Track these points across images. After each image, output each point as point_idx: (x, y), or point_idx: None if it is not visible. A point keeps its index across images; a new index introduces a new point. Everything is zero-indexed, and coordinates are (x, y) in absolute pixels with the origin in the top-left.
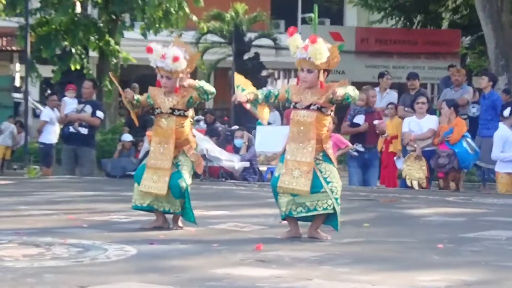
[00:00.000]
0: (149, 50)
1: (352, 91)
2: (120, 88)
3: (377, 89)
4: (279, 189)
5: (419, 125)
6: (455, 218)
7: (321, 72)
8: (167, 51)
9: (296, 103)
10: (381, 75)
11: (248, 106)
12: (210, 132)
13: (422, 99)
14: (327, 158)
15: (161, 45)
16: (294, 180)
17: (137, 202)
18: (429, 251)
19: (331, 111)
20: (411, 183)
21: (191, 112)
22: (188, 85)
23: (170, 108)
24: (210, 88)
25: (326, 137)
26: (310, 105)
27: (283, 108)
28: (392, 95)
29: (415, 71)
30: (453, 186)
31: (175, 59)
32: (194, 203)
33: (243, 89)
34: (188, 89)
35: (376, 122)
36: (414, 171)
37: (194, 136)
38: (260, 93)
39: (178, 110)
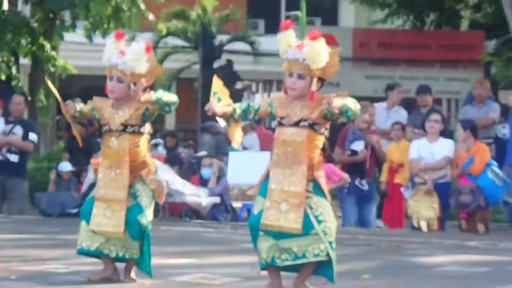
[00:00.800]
0: (119, 36)
1: (352, 104)
2: (60, 98)
3: (383, 104)
4: (263, 226)
5: (431, 150)
6: (476, 268)
7: (314, 80)
8: (130, 47)
9: (282, 118)
10: (391, 87)
11: (221, 121)
12: (171, 160)
13: (435, 116)
14: (319, 190)
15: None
16: (282, 216)
17: (83, 245)
18: None
19: (325, 129)
20: (418, 224)
21: (147, 128)
22: (145, 100)
23: (122, 124)
24: (170, 97)
25: (318, 163)
26: (300, 120)
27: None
28: (401, 113)
29: (428, 83)
30: (482, 228)
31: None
32: (151, 248)
33: (219, 98)
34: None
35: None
36: (422, 209)
37: (152, 156)
38: (238, 107)
39: (132, 125)
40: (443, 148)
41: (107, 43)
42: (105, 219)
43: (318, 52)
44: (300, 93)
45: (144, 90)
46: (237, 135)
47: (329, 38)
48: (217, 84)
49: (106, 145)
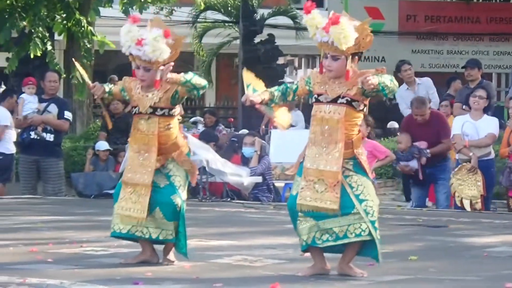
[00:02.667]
0: (135, 20)
1: (389, 81)
2: (87, 80)
3: (403, 87)
4: (299, 207)
5: (475, 127)
6: None
7: (349, 58)
8: (145, 35)
9: (319, 95)
10: (397, 69)
11: (263, 108)
12: (205, 136)
13: (480, 92)
14: (359, 168)
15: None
16: (318, 196)
17: (115, 228)
18: None
19: (364, 106)
20: (461, 203)
21: (178, 109)
22: (172, 80)
23: (151, 107)
24: (200, 81)
25: (357, 140)
26: (337, 97)
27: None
28: (426, 84)
29: (476, 57)
30: None
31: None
32: (190, 230)
33: (254, 89)
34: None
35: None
36: (466, 187)
37: (185, 137)
38: (276, 91)
39: (161, 108)
40: (488, 125)
41: (121, 32)
42: (131, 203)
43: (344, 34)
44: (337, 73)
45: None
46: (283, 119)
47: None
48: (248, 76)
49: (135, 127)
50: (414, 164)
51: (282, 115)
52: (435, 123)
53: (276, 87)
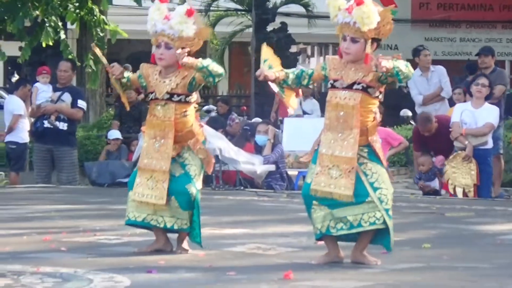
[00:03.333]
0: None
1: (404, 66)
2: (105, 62)
3: (417, 72)
4: (314, 192)
5: (474, 116)
6: None
7: (369, 42)
8: (174, 11)
9: (335, 81)
10: (416, 53)
11: (274, 86)
12: (212, 123)
13: (483, 79)
14: (374, 156)
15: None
16: (332, 182)
17: (130, 216)
18: (509, 280)
19: (380, 92)
20: (454, 191)
21: (195, 97)
22: (188, 64)
23: (168, 93)
24: (217, 68)
25: (372, 127)
26: (353, 83)
27: (318, 94)
28: (440, 71)
29: (489, 44)
30: None
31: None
32: (203, 218)
33: (270, 66)
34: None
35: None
36: (460, 175)
37: (201, 126)
38: (291, 73)
39: (178, 95)
40: (487, 114)
41: (149, 10)
42: (148, 190)
43: (368, 15)
44: (354, 57)
45: (193, 55)
46: (292, 100)
47: None
48: (267, 51)
49: (152, 113)
50: (435, 184)
51: (290, 98)
52: (444, 130)
53: (292, 69)
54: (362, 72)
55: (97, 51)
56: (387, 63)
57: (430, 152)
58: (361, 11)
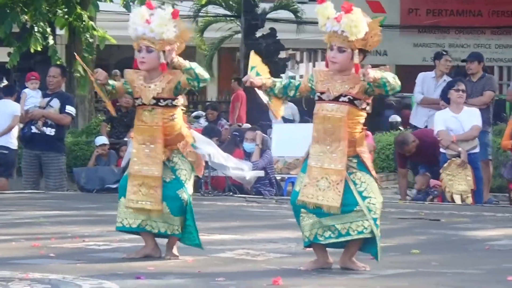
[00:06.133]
0: (150, 6)
1: (391, 78)
2: (87, 69)
3: (431, 74)
4: (300, 202)
5: (458, 121)
6: None
7: (356, 52)
8: (155, 13)
9: (321, 93)
10: (438, 56)
11: (260, 93)
12: (208, 131)
13: (462, 85)
14: (362, 166)
15: None
16: (320, 193)
17: (124, 222)
18: (497, 285)
19: (367, 104)
20: (451, 198)
21: (181, 100)
22: (176, 64)
23: (154, 98)
24: (203, 73)
25: (360, 138)
26: (339, 96)
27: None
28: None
29: (478, 50)
30: None
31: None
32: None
33: (258, 73)
34: (175, 72)
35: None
36: (456, 182)
37: (189, 127)
38: (279, 82)
39: (164, 99)
40: (470, 117)
41: (131, 15)
42: (141, 196)
43: (356, 23)
44: (341, 66)
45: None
46: (280, 108)
47: (375, 4)
48: (254, 59)
49: (139, 119)
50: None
51: (278, 106)
52: (425, 144)
53: (280, 79)
54: (349, 84)
55: (79, 59)
56: (374, 73)
57: (418, 167)
58: (349, 19)
